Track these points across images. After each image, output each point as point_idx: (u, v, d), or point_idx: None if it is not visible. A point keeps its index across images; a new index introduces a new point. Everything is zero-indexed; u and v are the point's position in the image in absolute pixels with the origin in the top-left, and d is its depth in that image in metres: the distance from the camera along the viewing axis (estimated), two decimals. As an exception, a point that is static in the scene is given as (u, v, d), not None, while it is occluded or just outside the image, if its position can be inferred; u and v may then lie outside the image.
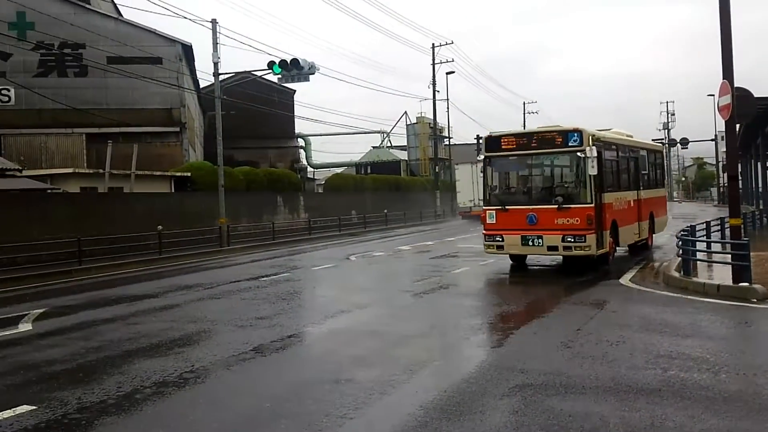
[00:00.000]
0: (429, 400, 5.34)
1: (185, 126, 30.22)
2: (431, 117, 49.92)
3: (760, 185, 37.37)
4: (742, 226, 13.36)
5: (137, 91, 28.66)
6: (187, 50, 30.81)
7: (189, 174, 26.02)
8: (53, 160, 27.97)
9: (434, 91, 47.03)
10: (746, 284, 10.23)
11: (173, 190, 25.42)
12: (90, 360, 7.18)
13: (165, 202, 23.32)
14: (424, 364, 6.67)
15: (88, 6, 29.36)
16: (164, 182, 25.24)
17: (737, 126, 15.02)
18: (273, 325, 8.86)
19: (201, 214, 24.41)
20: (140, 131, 28.43)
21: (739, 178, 17.15)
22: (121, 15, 32.61)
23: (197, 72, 35.29)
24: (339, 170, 56.77)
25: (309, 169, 56.31)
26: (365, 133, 61.72)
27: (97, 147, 27.05)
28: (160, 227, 20.25)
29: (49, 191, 20.37)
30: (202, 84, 38.01)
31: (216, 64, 24.09)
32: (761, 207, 31.96)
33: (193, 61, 32.99)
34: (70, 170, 22.99)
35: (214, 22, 23.59)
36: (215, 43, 23.65)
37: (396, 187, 46.41)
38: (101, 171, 22.64)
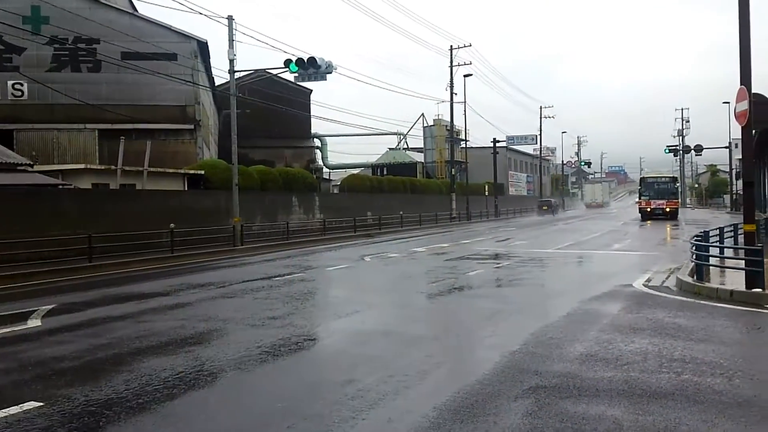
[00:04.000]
0: (442, 401, 5.32)
1: (200, 123, 30.36)
2: (448, 119, 49.99)
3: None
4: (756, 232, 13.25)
5: (151, 87, 28.83)
6: (203, 47, 30.95)
7: (203, 172, 26.12)
8: (65, 155, 28.20)
9: (452, 93, 47.08)
10: (759, 290, 10.22)
11: (186, 188, 25.53)
12: (98, 357, 7.18)
13: (178, 200, 23.42)
14: (438, 365, 6.66)
15: (103, 1, 29.55)
16: (177, 180, 25.36)
17: (753, 133, 14.91)
18: (285, 324, 8.87)
19: (214, 213, 24.52)
20: (153, 128, 28.62)
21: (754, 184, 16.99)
22: (136, 10, 32.81)
23: (213, 69, 35.53)
24: (355, 171, 57.06)
25: (325, 169, 56.54)
26: (382, 134, 62.00)
27: (109, 143, 27.23)
28: (172, 225, 20.33)
29: (60, 187, 20.50)
30: (218, 81, 38.21)
31: (231, 62, 24.18)
32: (775, 214, 31.63)
33: (209, 58, 33.14)
34: (81, 166, 23.12)
35: (230, 18, 23.68)
36: (231, 40, 23.73)
37: (412, 189, 46.55)
38: (113, 167, 22.76)
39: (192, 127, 30.08)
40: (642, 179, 51.07)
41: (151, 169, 23.73)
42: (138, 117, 28.22)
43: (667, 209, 44.90)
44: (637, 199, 51.04)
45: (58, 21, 26.23)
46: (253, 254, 21.96)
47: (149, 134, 27.52)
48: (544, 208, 67.07)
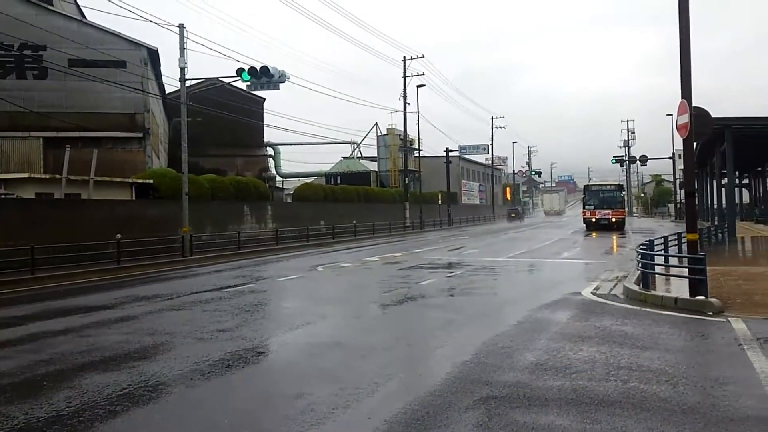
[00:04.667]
0: (393, 413, 5.28)
1: (149, 132, 29.70)
2: (402, 129, 50.24)
3: (715, 202, 38.40)
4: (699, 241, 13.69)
5: (99, 95, 28.08)
6: (153, 54, 30.32)
7: (151, 181, 25.53)
8: (8, 164, 27.21)
9: (405, 103, 47.39)
10: (703, 298, 10.49)
11: (135, 198, 24.90)
12: (39, 374, 6.91)
13: (125, 210, 22.82)
14: (389, 376, 6.61)
15: (50, 7, 28.71)
16: (125, 189, 24.72)
17: (694, 144, 15.42)
18: (234, 337, 8.70)
19: (163, 223, 23.96)
20: (101, 136, 27.85)
21: (696, 194, 17.56)
22: (84, 17, 32.00)
23: (163, 77, 34.84)
24: (309, 180, 56.75)
25: (278, 178, 56.01)
26: (336, 143, 61.86)
27: (54, 152, 26.36)
28: (119, 235, 19.79)
29: (2, 196, 19.74)
30: (169, 89, 37.47)
31: (182, 69, 23.77)
32: (716, 223, 32.84)
33: (159, 65, 32.49)
34: (25, 175, 22.33)
35: (181, 26, 23.32)
36: (182, 48, 23.35)
37: (366, 198, 46.51)
38: (58, 176, 22.05)
39: (141, 135, 29.41)
40: (586, 187, 46.27)
41: (98, 179, 23.08)
42: (85, 125, 27.42)
43: (614, 219, 41.39)
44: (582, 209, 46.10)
45: (3, 27, 25.33)
46: (203, 265, 21.54)
47: (96, 143, 26.76)
48: (513, 215, 74.27)
